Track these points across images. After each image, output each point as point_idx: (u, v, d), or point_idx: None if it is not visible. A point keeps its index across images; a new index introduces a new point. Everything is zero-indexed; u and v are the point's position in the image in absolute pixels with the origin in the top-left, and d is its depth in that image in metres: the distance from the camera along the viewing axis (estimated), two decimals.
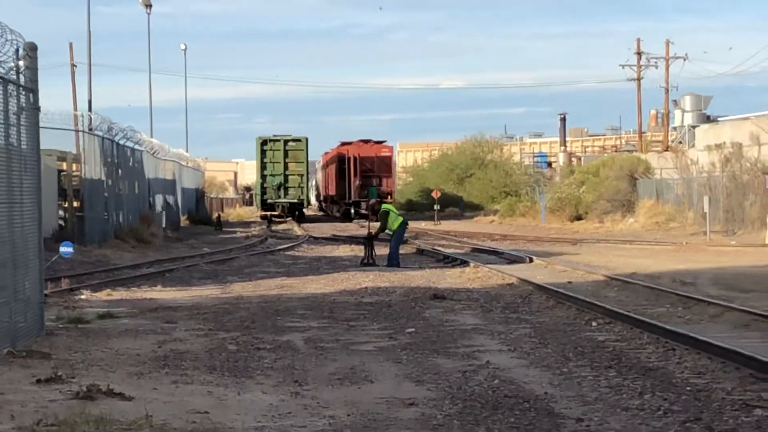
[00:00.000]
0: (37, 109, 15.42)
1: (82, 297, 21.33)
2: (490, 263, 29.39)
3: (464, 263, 28.92)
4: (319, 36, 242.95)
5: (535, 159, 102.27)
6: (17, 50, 14.82)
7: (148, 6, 66.86)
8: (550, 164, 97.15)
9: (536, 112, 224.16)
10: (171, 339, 15.30)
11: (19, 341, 14.01)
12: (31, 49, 15.12)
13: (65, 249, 20.94)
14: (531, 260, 29.91)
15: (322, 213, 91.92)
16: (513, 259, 30.96)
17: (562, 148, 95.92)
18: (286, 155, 73.15)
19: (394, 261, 28.98)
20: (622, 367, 12.57)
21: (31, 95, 15.24)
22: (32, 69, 15.27)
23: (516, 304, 19.32)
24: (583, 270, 25.99)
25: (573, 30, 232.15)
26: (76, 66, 71.88)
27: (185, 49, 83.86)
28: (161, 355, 13.84)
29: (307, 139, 74.11)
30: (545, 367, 12.72)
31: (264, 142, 73.60)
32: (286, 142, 73.49)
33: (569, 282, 23.21)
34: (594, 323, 16.42)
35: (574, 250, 35.96)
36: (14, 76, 14.78)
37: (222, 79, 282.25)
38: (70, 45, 74.97)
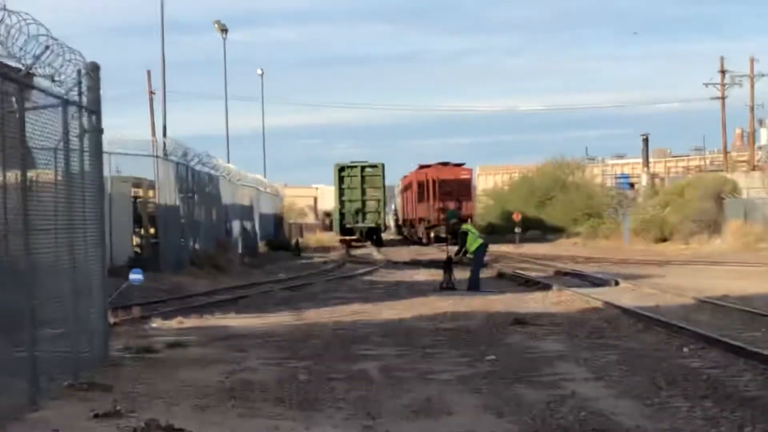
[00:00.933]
0: (100, 131, 14.89)
1: (153, 325, 20.79)
2: (574, 287, 28.46)
3: (547, 287, 28.03)
4: (395, 60, 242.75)
5: (618, 180, 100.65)
6: (79, 71, 14.32)
7: (224, 31, 66.86)
8: (632, 185, 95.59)
9: (617, 134, 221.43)
10: (240, 369, 14.65)
11: (82, 372, 13.45)
12: (93, 70, 14.60)
13: (135, 276, 20.48)
14: (617, 283, 28.92)
15: (401, 237, 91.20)
16: (598, 282, 29.96)
17: (645, 169, 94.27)
18: (363, 181, 75.09)
19: (474, 285, 28.19)
20: (718, 397, 11.67)
21: (93, 117, 14.71)
22: (94, 90, 14.74)
23: (602, 328, 18.43)
24: (672, 293, 24.98)
25: (654, 50, 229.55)
26: (154, 93, 71.95)
27: (262, 74, 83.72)
28: (229, 386, 13.17)
29: (383, 165, 75.95)
30: (635, 398, 11.85)
31: (342, 169, 75.65)
32: (363, 168, 75.36)
33: (657, 305, 22.24)
34: (686, 349, 15.50)
35: (661, 272, 34.87)
36: (76, 98, 14.29)
37: (301, 104, 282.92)
38: (148, 72, 75.01)
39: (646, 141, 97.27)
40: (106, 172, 34.67)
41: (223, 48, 67.96)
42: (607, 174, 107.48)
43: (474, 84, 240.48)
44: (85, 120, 14.52)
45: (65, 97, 13.89)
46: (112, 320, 20.34)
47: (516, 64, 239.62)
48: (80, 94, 14.39)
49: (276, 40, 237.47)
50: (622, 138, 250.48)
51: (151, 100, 74.80)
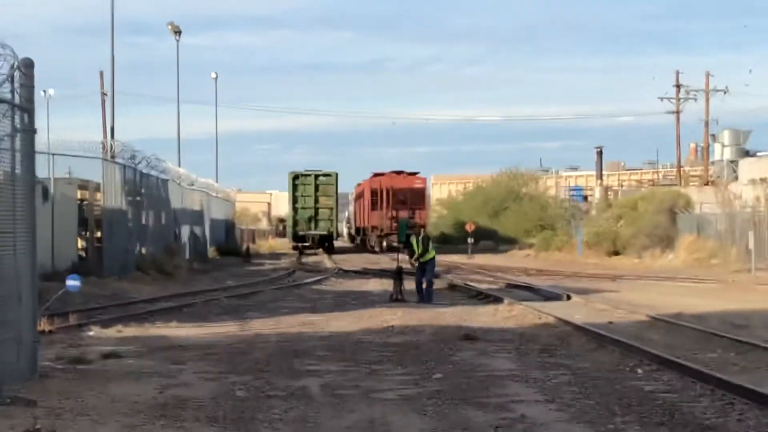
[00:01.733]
0: (33, 131, 14.13)
1: (90, 333, 20.04)
2: (526, 300, 27.94)
3: (498, 300, 27.48)
4: (356, 69, 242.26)
5: (571, 193, 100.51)
6: (12, 66, 13.60)
7: (178, 33, 66.01)
8: (585, 198, 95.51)
9: (572, 145, 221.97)
10: (176, 383, 13.95)
11: (6, 386, 12.72)
12: (26, 66, 13.85)
13: (72, 283, 19.63)
14: (569, 297, 28.43)
15: (353, 245, 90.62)
16: (549, 296, 29.48)
17: (599, 181, 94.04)
18: (317, 189, 76.00)
19: (428, 297, 27.62)
20: (675, 425, 11.11)
21: (26, 116, 13.98)
22: (27, 87, 13.99)
23: (554, 346, 17.86)
24: (625, 309, 24.47)
25: (612, 63, 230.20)
26: (105, 94, 71.05)
27: (216, 77, 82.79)
28: (161, 402, 12.48)
29: (337, 174, 76.93)
30: (588, 423, 11.27)
31: (296, 177, 76.60)
32: (317, 176, 76.33)
33: (610, 322, 21.72)
34: (639, 370, 14.94)
35: (614, 286, 34.43)
36: (7, 95, 13.57)
37: (257, 109, 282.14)
38: (101, 73, 74.37)
39: (600, 153, 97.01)
40: (49, 174, 34.07)
41: (176, 49, 67.13)
42: (561, 186, 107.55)
43: (434, 93, 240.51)
44: (17, 119, 13.80)
45: None
46: (47, 328, 19.63)
47: (476, 73, 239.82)
48: (12, 91, 13.69)
49: (236, 44, 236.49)
50: (578, 150, 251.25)
51: (103, 101, 73.89)
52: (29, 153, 14.10)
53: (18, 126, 13.78)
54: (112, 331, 20.44)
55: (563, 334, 19.36)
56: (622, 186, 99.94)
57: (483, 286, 33.76)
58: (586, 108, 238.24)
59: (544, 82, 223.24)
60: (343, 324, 21.98)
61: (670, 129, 79.71)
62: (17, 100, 13.72)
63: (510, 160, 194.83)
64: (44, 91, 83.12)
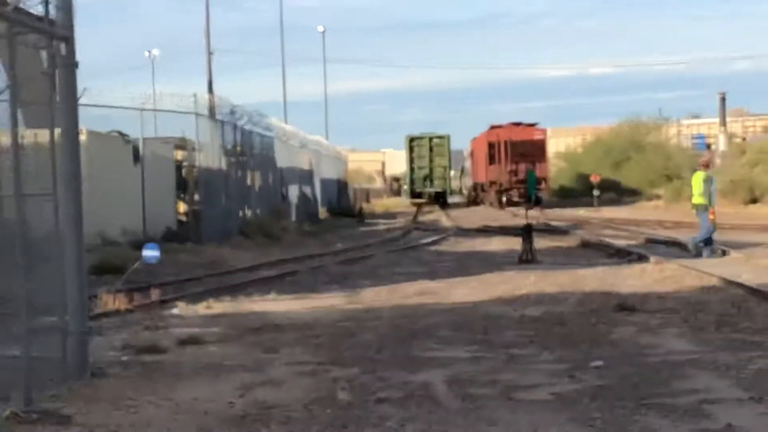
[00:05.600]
0: (74, 64, 11.16)
1: (174, 311, 17.15)
2: (672, 257, 24.48)
3: (643, 258, 24.06)
4: (469, 25, 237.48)
5: (694, 141, 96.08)
6: None
7: None
8: (708, 146, 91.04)
9: (690, 95, 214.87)
10: (262, 380, 10.93)
11: (43, 391, 9.86)
12: None
13: (149, 253, 16.86)
14: (724, 253, 24.88)
15: (470, 201, 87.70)
16: (700, 252, 25.86)
17: (723, 128, 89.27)
18: (431, 150, 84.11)
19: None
20: None
21: (63, 45, 11.02)
22: (66, 11, 11.03)
23: (731, 317, 14.43)
24: None
25: (727, 11, 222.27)
26: (213, 54, 68.44)
27: (323, 32, 79.92)
28: (239, 411, 9.48)
29: (449, 136, 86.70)
30: None
31: (412, 140, 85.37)
32: (431, 139, 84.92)
33: None
34: None
35: None
36: (40, 25, 10.64)
37: (369, 68, 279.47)
38: (207, 29, 71.69)
39: (723, 100, 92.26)
40: (140, 132, 31.40)
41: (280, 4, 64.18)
42: (683, 135, 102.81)
43: (546, 47, 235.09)
44: (54, 49, 10.87)
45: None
46: (123, 306, 16.87)
47: (588, 26, 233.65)
48: (46, 15, 10.74)
49: (346, 5, 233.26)
50: (696, 99, 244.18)
51: (210, 61, 71.41)
52: (70, 92, 11.14)
53: (56, 59, 10.86)
54: (201, 308, 17.55)
55: (738, 300, 15.91)
56: (746, 133, 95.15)
57: (620, 243, 30.25)
58: (703, 56, 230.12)
59: (657, 29, 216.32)
60: (467, 292, 18.80)
61: None
62: (52, 26, 10.78)
63: (625, 111, 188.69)
64: (149, 52, 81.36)
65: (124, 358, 12.43)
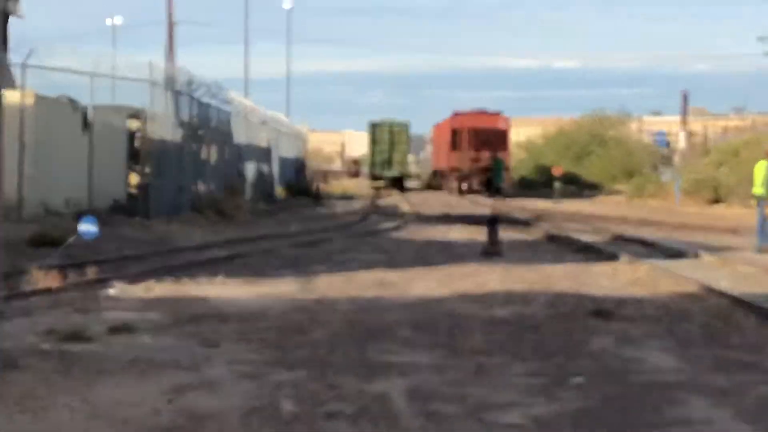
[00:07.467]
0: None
1: (111, 292, 15.78)
2: (643, 256, 23.30)
3: (612, 257, 22.83)
4: (436, 12, 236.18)
5: (655, 138, 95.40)
6: None
7: None
8: (668, 144, 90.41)
9: (650, 93, 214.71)
10: (196, 382, 9.59)
11: None
12: None
13: (86, 228, 15.44)
14: (696, 255, 23.71)
15: (427, 187, 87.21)
16: (671, 253, 24.62)
17: (684, 126, 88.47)
18: (391, 136, 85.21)
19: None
20: None
21: None
22: None
23: (718, 329, 13.17)
24: None
25: (692, 11, 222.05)
26: (176, 23, 66.77)
27: (290, 9, 78.36)
28: (165, 421, 8.14)
29: (408, 123, 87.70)
30: None
31: (374, 126, 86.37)
32: (391, 125, 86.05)
33: None
34: None
35: (741, 241, 29.28)
36: None
37: (332, 49, 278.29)
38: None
39: (685, 98, 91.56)
40: (91, 99, 29.93)
41: None
42: (644, 131, 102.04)
43: (512, 38, 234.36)
44: None
45: None
46: (54, 284, 15.46)
47: (554, 18, 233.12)
48: None
49: None
50: (657, 98, 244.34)
51: (171, 30, 69.68)
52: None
53: None
54: (140, 289, 16.18)
55: (721, 310, 14.66)
56: (706, 132, 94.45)
57: (587, 238, 29.02)
58: (665, 54, 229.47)
59: (622, 29, 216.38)
60: (430, 286, 17.49)
61: (756, 76, 74.09)
62: None
63: (587, 106, 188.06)
64: (111, 19, 79.41)
65: (45, 346, 11.06)
